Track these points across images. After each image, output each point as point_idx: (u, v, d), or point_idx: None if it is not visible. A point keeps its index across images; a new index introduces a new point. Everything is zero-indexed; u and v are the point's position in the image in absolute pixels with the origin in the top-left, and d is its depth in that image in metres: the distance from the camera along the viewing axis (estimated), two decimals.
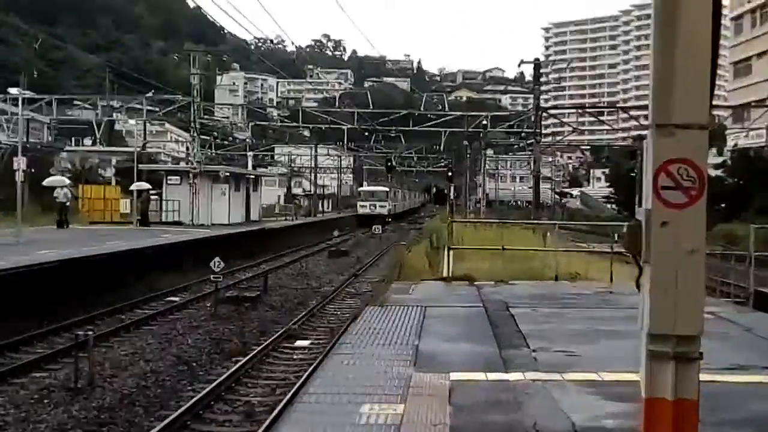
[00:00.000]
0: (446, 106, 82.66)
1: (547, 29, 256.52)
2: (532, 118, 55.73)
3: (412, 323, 14.81)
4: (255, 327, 22.32)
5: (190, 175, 50.49)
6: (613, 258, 22.12)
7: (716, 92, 4.94)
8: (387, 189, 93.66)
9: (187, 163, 62.73)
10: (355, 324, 15.23)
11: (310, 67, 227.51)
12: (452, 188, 39.79)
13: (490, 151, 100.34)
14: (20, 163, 32.04)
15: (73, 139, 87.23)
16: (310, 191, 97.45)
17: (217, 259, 25.38)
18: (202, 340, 20.19)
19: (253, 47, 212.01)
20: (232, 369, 16.43)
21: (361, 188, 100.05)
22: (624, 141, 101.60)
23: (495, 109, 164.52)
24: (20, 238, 31.66)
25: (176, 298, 27.37)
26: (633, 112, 64.94)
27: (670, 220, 4.74)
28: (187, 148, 73.56)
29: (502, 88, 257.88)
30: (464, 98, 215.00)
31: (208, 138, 77.71)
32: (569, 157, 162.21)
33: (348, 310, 25.38)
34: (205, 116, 65.45)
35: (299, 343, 19.83)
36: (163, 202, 50.74)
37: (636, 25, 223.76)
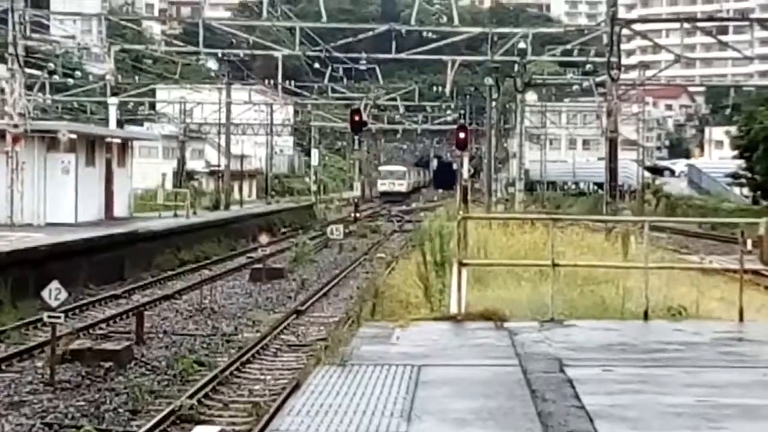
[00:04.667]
0: (455, 16, 49.07)
1: None
2: (604, 39, 37.47)
3: (395, 395, 11.04)
4: (121, 403, 16.33)
5: (8, 137, 36.31)
6: (743, 280, 16.49)
7: None
8: (405, 169, 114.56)
9: (2, 118, 41.63)
10: (296, 398, 11.17)
11: None
12: (466, 161, 32.49)
13: (531, 96, 75.60)
14: None
15: None
16: (218, 166, 71.30)
17: (53, 284, 18.07)
18: (28, 429, 14.59)
19: None
20: None
21: (381, 167, 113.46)
22: (765, 77, 79.12)
23: (540, 22, 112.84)
24: None
25: None
26: None
27: None
28: (2, 91, 46.41)
29: None
30: (486, 2, 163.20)
31: (39, 73, 56.84)
32: (668, 107, 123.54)
33: (284, 373, 19.45)
34: (35, 34, 44.69)
35: (199, 431, 14.55)
36: None
37: None
